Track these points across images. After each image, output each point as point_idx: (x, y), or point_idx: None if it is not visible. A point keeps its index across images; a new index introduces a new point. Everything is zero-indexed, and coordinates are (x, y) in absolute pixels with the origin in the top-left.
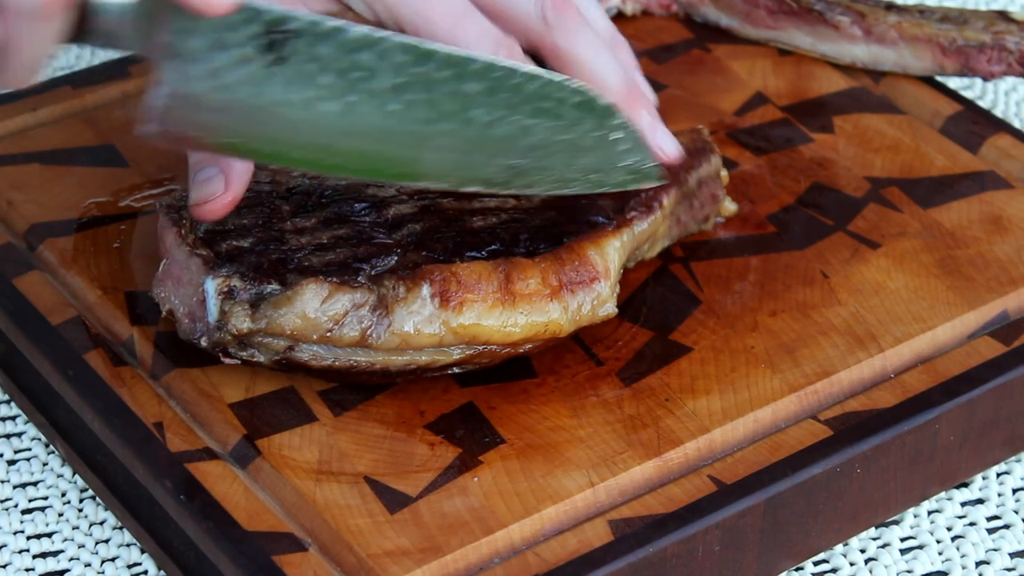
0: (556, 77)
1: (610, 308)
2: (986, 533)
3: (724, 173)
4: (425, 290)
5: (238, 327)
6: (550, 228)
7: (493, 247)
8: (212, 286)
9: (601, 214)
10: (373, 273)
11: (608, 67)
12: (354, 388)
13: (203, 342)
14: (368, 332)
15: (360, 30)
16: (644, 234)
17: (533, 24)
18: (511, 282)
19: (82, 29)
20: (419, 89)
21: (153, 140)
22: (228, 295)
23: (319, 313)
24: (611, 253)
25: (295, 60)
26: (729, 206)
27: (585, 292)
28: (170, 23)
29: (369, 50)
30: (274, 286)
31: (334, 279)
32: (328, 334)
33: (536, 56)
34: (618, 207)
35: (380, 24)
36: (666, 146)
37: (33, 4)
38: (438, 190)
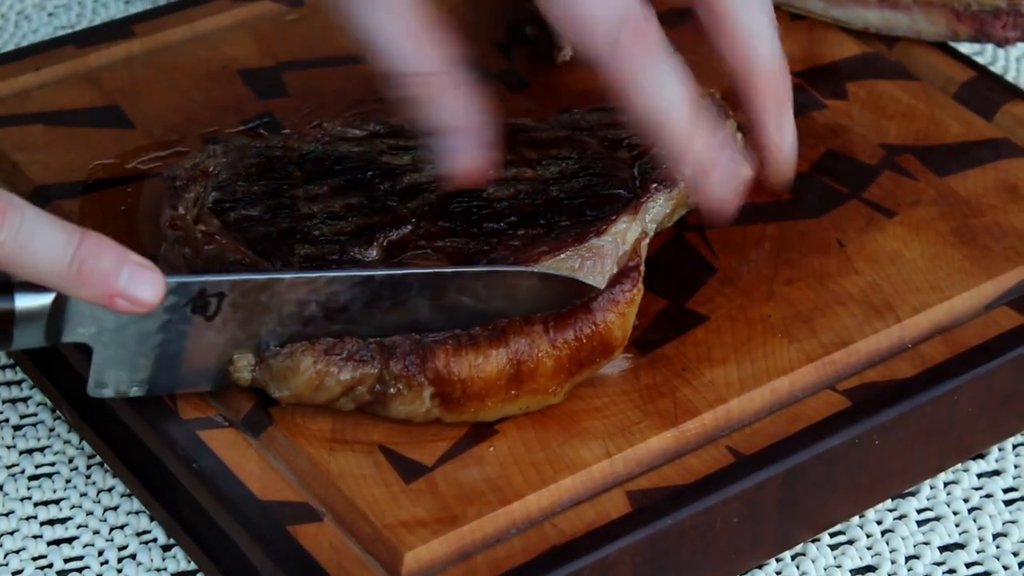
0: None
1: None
2: (1003, 505)
3: (739, 136)
4: (427, 394)
5: (242, 379)
6: (571, 201)
7: (511, 218)
8: None
9: (623, 187)
10: (388, 240)
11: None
12: None
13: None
14: (364, 406)
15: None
16: (666, 207)
17: (605, 62)
18: (521, 377)
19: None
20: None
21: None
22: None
23: (313, 394)
24: (632, 316)
25: (224, 313)
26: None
27: (598, 363)
28: (87, 314)
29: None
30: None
31: (338, 352)
32: (323, 405)
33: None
34: (641, 178)
35: None
36: (742, 172)
37: None
38: None
